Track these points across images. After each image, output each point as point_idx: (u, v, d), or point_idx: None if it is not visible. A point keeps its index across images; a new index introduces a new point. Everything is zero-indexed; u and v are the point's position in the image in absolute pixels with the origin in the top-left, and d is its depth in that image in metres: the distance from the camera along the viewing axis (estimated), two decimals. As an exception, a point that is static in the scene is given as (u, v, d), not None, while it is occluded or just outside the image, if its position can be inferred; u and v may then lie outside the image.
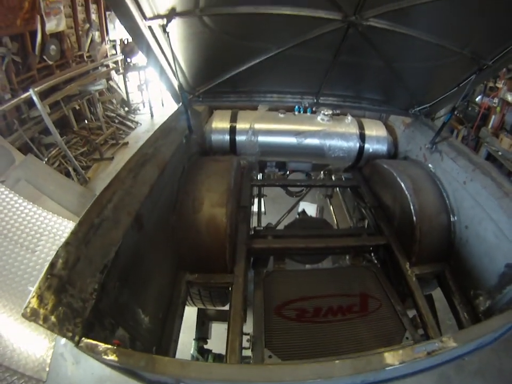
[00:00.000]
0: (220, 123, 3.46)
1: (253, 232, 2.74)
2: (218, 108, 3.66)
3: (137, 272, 1.65)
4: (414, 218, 2.33)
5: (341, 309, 2.11)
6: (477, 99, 7.10)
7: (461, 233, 2.34)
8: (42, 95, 6.42)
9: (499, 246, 1.97)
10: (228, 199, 2.23)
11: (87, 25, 8.83)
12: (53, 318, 1.06)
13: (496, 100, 6.51)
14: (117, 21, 8.74)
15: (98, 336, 1.13)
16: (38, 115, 6.31)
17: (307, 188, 3.97)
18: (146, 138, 2.26)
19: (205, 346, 2.50)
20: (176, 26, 2.15)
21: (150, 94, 10.58)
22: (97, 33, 9.30)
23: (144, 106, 10.93)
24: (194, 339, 2.48)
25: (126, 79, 10.24)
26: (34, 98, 5.83)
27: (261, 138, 3.44)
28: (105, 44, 9.74)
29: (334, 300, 2.17)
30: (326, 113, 3.52)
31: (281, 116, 3.55)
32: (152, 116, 10.37)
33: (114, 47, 10.45)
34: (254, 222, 3.26)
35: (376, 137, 3.49)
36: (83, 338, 1.09)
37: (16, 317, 2.46)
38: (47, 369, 2.34)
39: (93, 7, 9.05)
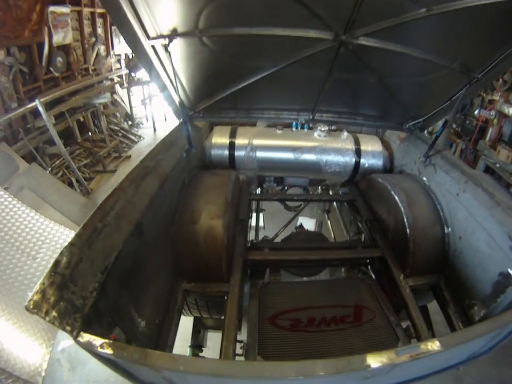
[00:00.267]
0: (219, 138, 3.56)
1: (249, 245, 2.79)
2: (218, 124, 3.75)
3: (135, 276, 1.72)
4: (408, 230, 2.36)
5: (334, 319, 2.13)
6: (475, 112, 7.11)
7: (455, 244, 2.37)
8: (48, 106, 6.55)
9: (492, 255, 1.99)
10: (225, 211, 2.30)
11: (93, 39, 9.01)
12: (54, 312, 1.13)
13: (493, 112, 6.52)
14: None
15: (96, 333, 1.19)
16: (43, 125, 6.42)
17: (305, 203, 4.02)
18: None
19: (200, 355, 2.52)
20: (177, 46, 2.25)
21: (153, 108, 10.70)
22: (102, 47, 9.48)
23: (147, 121, 11.02)
24: (189, 346, 2.50)
25: (130, 93, 10.36)
26: (40, 108, 5.94)
27: (259, 154, 3.52)
28: (110, 58, 9.92)
29: (328, 311, 2.19)
30: (322, 129, 3.58)
31: (279, 132, 3.63)
32: (155, 130, 10.46)
33: (119, 61, 10.63)
34: (252, 236, 3.32)
35: (372, 152, 3.55)
36: (81, 333, 1.16)
37: (15, 321, 2.48)
38: (43, 374, 2.36)
39: (99, 21, 9.26)
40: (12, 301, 2.54)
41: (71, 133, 7.89)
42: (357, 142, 3.60)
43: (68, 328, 1.14)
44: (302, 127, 3.74)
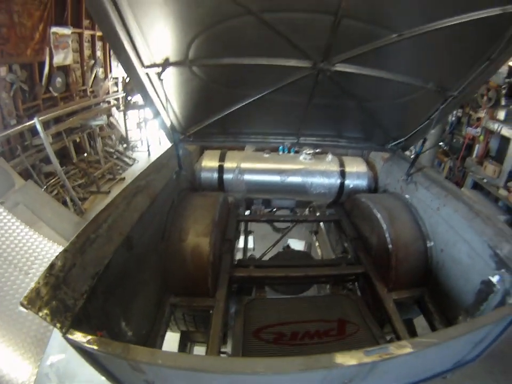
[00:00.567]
0: (209, 162, 3.68)
1: (236, 263, 2.86)
2: (209, 148, 3.89)
3: (124, 286, 1.82)
4: (390, 246, 2.43)
5: (318, 333, 2.17)
6: (465, 130, 7.21)
7: (437, 257, 2.43)
8: (46, 125, 6.68)
9: (473, 265, 2.04)
10: (212, 230, 2.41)
11: (92, 61, 9.22)
12: (46, 309, 1.22)
13: (479, 129, 6.67)
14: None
15: (85, 332, 1.27)
16: (40, 143, 6.52)
17: (292, 224, 4.09)
18: (141, 174, 2.45)
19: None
20: (169, 74, 2.40)
21: (148, 132, 10.83)
22: (101, 70, 9.68)
23: (142, 144, 11.13)
24: None
25: (126, 117, 10.50)
26: (38, 127, 6.06)
27: (247, 177, 3.63)
28: (108, 81, 10.13)
29: (311, 325, 2.22)
30: (308, 152, 3.71)
31: (266, 155, 3.76)
32: (149, 154, 10.55)
33: (116, 84, 10.84)
34: (240, 255, 3.42)
35: (357, 173, 3.65)
36: (71, 329, 1.25)
37: (4, 332, 2.50)
38: (31, 388, 2.36)
39: (98, 44, 9.49)
40: (1, 314, 2.56)
41: (67, 153, 8.00)
42: (341, 164, 3.71)
43: (58, 325, 1.23)
44: (289, 151, 3.87)
